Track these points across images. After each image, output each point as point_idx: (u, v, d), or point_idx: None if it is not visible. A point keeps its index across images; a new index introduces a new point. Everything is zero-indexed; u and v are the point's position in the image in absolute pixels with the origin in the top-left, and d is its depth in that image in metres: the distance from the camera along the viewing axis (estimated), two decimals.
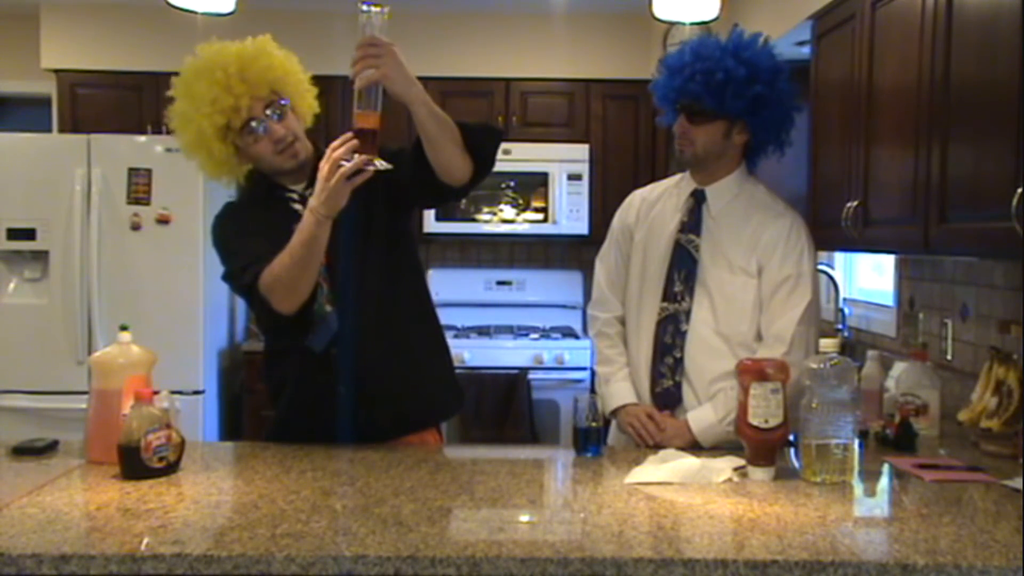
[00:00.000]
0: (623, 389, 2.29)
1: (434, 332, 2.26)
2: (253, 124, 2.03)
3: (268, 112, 2.04)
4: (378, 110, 1.85)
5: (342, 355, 2.07)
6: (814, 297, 2.20)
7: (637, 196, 2.43)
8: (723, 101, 2.15)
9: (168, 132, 2.20)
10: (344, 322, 2.07)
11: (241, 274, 2.03)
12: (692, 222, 2.26)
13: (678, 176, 2.39)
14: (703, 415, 2.16)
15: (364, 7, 1.84)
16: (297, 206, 2.09)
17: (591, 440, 2.04)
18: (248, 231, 2.10)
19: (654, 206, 2.36)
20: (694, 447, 2.11)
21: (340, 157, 1.84)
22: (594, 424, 2.04)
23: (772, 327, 2.17)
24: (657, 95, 2.30)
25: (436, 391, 2.24)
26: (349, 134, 1.86)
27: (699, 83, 2.16)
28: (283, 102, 2.07)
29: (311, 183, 2.02)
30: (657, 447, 2.12)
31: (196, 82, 2.01)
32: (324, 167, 1.87)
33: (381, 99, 1.85)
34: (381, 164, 1.87)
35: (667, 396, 2.22)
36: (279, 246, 1.97)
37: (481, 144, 2.02)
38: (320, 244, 1.93)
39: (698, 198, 2.28)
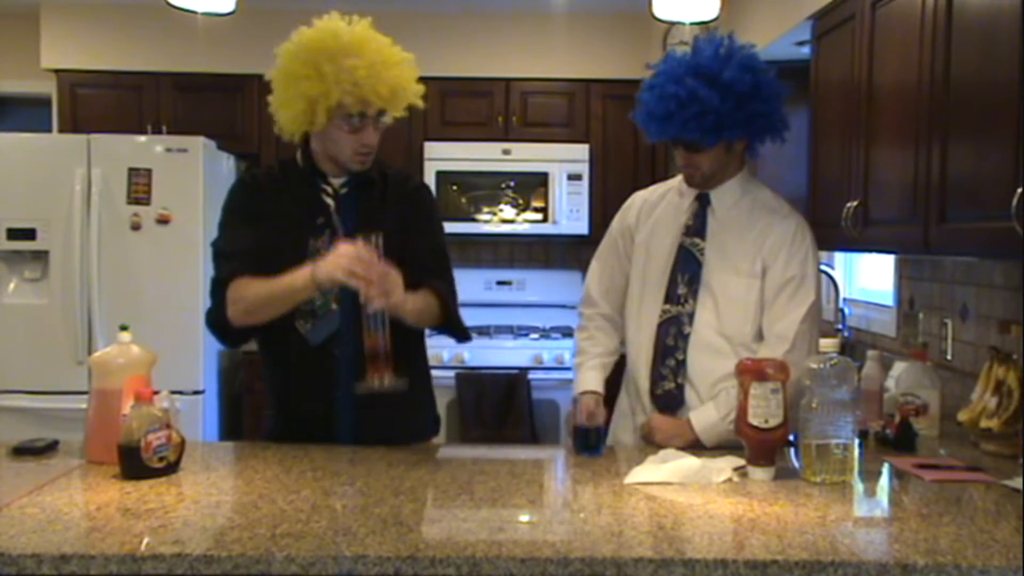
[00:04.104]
0: (589, 376, 2.31)
1: (424, 354, 2.32)
2: (355, 117, 2.01)
3: (377, 117, 2.04)
4: (386, 330, 1.92)
5: (342, 355, 2.08)
6: (817, 298, 2.20)
7: (638, 197, 2.43)
8: (720, 133, 2.15)
9: (167, 132, 2.19)
10: (346, 323, 2.07)
11: (222, 263, 2.07)
12: (697, 225, 2.26)
13: (679, 178, 2.38)
14: (706, 414, 2.16)
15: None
16: (328, 200, 2.12)
17: (591, 440, 2.04)
18: (252, 213, 2.11)
19: (656, 208, 2.36)
20: (696, 447, 2.11)
21: (366, 278, 1.85)
22: (594, 424, 2.04)
23: (775, 327, 2.17)
24: (649, 134, 2.29)
25: (422, 409, 2.29)
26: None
27: (693, 129, 2.14)
28: (388, 119, 2.06)
29: (347, 182, 2.11)
30: (649, 443, 2.13)
31: (344, 46, 1.98)
32: (343, 261, 1.86)
33: (387, 319, 1.93)
34: (393, 382, 1.93)
35: (668, 398, 2.22)
36: (281, 233, 2.02)
37: (455, 325, 2.18)
38: (298, 298, 1.99)
39: (702, 201, 2.28)
